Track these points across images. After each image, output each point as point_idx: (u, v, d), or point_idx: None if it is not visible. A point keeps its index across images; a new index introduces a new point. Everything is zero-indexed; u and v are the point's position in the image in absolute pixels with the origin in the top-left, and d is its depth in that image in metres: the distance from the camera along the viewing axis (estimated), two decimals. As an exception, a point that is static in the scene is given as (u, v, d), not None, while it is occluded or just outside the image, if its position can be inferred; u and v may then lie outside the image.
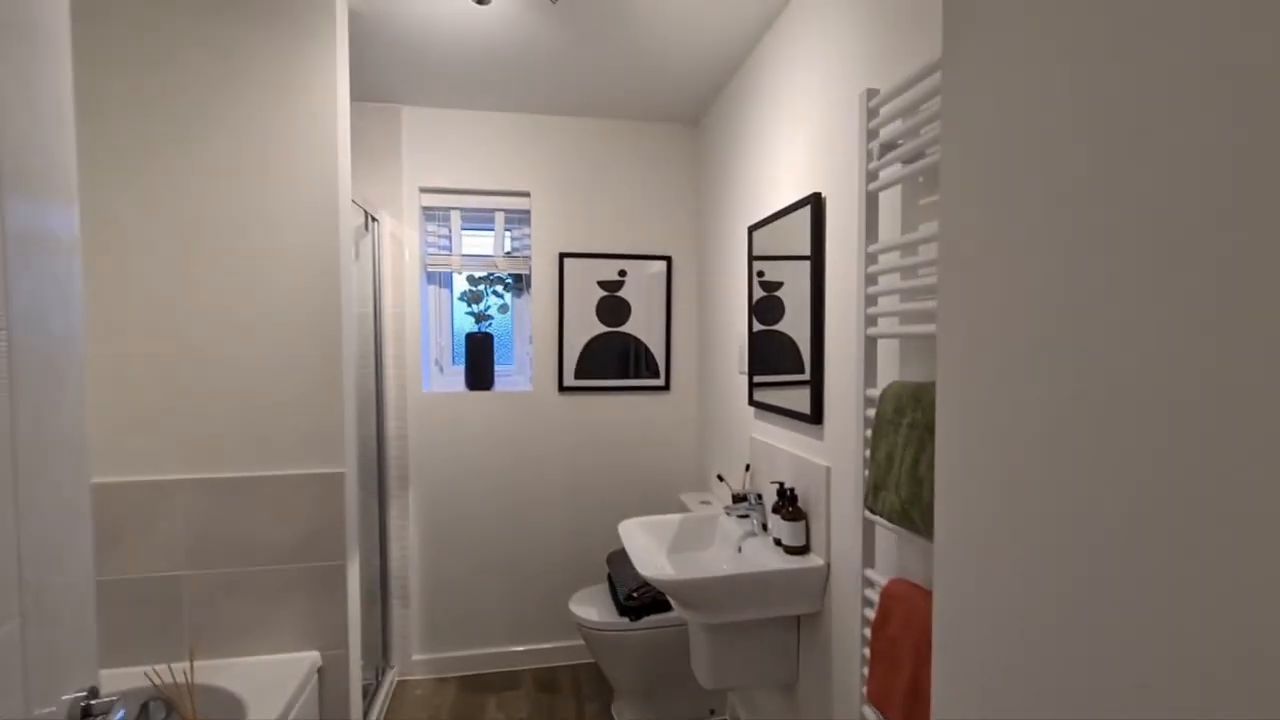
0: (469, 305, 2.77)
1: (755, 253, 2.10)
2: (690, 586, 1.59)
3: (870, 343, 1.30)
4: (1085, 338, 0.45)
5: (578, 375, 2.75)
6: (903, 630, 1.15)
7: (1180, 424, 0.38)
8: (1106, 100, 0.43)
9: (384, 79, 2.33)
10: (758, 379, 2.07)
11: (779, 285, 1.95)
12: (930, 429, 1.05)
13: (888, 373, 1.32)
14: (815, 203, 1.63)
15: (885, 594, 1.21)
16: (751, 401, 2.11)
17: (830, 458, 1.61)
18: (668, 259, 2.79)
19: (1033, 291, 0.49)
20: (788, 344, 1.86)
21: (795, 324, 1.80)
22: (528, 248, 2.75)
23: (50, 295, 0.70)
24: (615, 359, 2.79)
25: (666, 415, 2.84)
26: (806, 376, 1.71)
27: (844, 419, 1.53)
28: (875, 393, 1.27)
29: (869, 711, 1.32)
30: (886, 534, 1.32)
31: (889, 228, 1.31)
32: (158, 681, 1.36)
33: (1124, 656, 0.42)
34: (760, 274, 2.08)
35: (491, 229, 2.80)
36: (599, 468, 2.79)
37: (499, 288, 2.83)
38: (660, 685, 2.34)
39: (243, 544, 1.68)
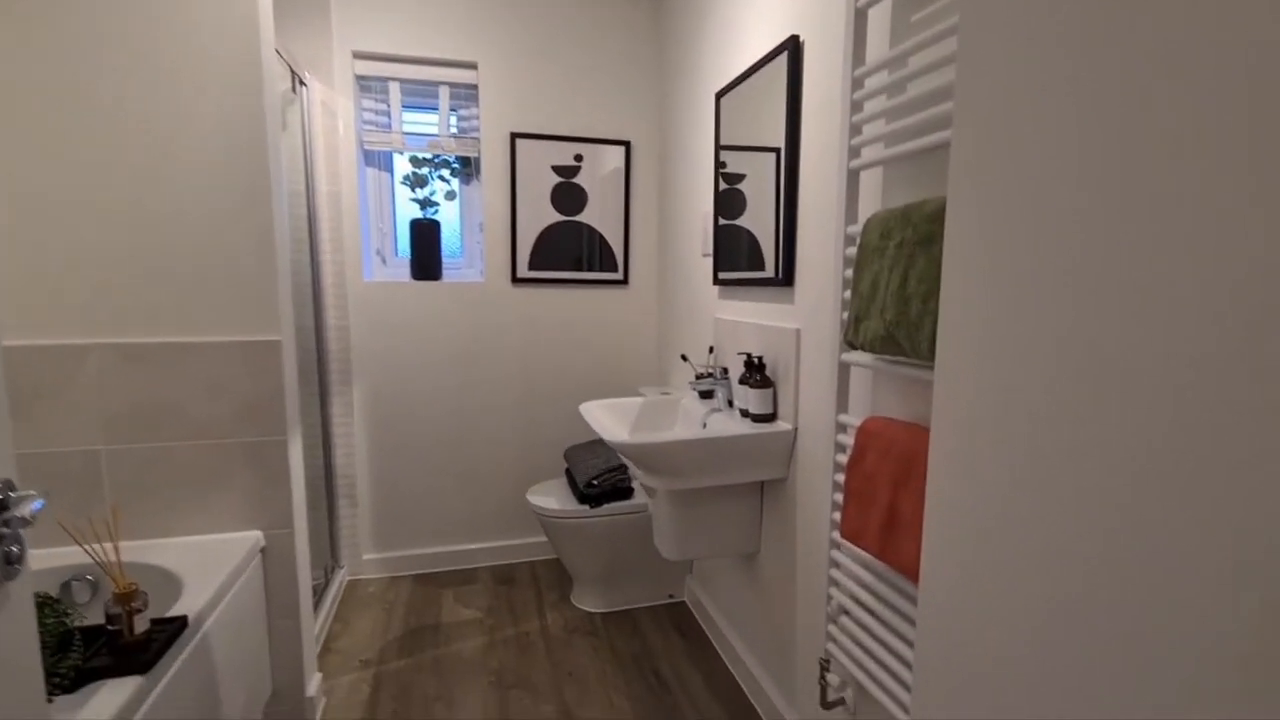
0: (412, 190, 2.57)
1: (722, 126, 1.99)
2: (654, 450, 1.56)
3: (853, 176, 1.23)
4: (1118, 142, 0.39)
5: (532, 266, 2.62)
6: (879, 462, 1.14)
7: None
8: None
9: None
10: (721, 275, 2.00)
11: (741, 178, 1.86)
12: (921, 244, 1.00)
13: (869, 209, 1.26)
14: (793, 48, 1.53)
15: (861, 432, 1.19)
16: (716, 281, 2.04)
17: (801, 320, 1.57)
18: (627, 144, 2.65)
19: (1057, 79, 0.44)
20: (749, 239, 1.79)
21: (758, 219, 1.73)
22: (476, 130, 2.55)
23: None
24: (571, 250, 2.66)
25: (625, 310, 2.76)
26: (770, 274, 1.67)
27: (818, 277, 1.48)
28: (856, 229, 1.21)
29: (839, 555, 1.32)
30: (861, 377, 1.30)
31: (876, 51, 1.23)
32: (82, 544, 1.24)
33: (1126, 484, 0.42)
34: (723, 165, 1.98)
35: (436, 108, 2.57)
36: (554, 362, 2.70)
37: (445, 172, 2.63)
38: (620, 572, 2.34)
39: (172, 417, 1.53)
